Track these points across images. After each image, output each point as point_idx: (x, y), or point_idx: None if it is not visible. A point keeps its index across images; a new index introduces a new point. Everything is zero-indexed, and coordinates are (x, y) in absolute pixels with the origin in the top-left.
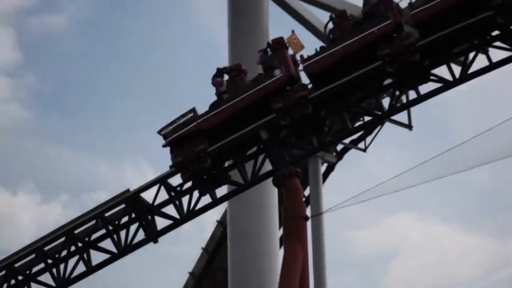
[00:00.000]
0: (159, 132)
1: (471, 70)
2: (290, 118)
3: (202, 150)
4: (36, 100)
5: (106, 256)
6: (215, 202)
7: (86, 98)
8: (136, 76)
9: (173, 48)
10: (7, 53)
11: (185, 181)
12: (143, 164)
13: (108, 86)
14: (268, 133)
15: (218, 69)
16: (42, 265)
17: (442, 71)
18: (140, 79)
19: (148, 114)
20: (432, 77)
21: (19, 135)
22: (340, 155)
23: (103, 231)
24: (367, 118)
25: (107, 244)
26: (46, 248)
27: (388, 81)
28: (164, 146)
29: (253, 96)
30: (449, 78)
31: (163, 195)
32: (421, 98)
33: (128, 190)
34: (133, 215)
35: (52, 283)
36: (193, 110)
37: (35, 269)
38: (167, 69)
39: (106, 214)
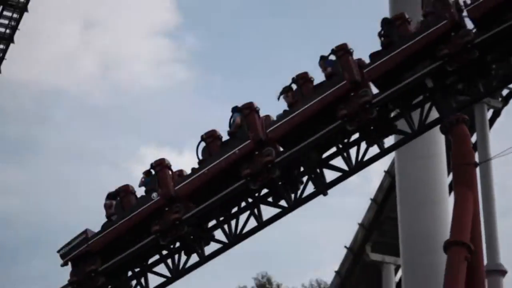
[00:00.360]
0: (57, 252)
1: None
2: (457, 63)
3: (93, 271)
4: (197, 60)
5: None
6: (383, 152)
7: (248, 57)
8: (300, 34)
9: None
10: (167, 15)
11: None
12: None
13: (272, 45)
14: (434, 81)
15: (108, 193)
16: None
17: None
18: (304, 37)
19: (315, 73)
20: None
21: (183, 95)
22: (506, 100)
23: None
24: None
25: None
26: None
27: None
28: (62, 265)
29: (136, 217)
30: None
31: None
32: None
33: None
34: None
35: None
36: (85, 232)
37: None
38: (329, 29)
39: None
